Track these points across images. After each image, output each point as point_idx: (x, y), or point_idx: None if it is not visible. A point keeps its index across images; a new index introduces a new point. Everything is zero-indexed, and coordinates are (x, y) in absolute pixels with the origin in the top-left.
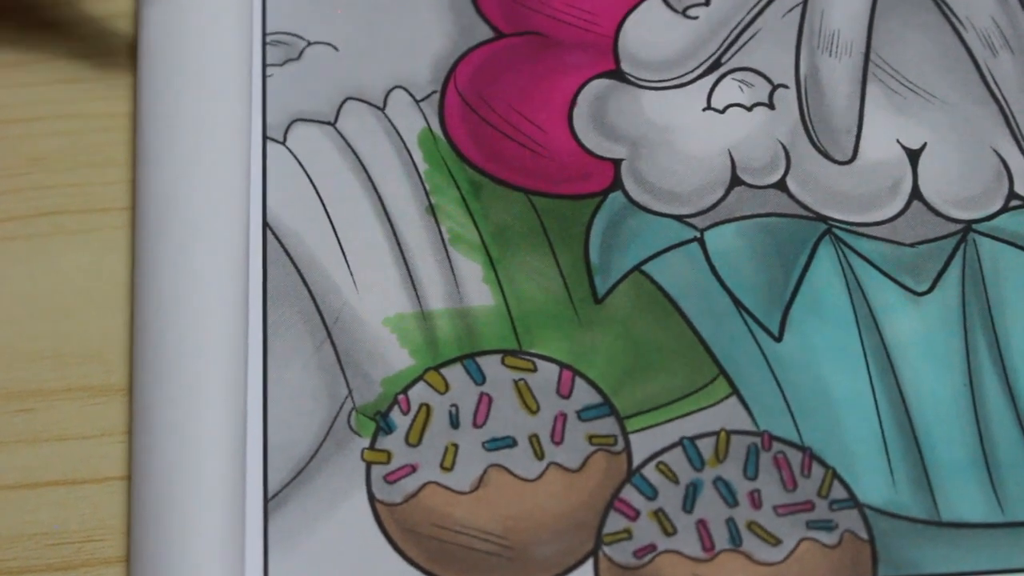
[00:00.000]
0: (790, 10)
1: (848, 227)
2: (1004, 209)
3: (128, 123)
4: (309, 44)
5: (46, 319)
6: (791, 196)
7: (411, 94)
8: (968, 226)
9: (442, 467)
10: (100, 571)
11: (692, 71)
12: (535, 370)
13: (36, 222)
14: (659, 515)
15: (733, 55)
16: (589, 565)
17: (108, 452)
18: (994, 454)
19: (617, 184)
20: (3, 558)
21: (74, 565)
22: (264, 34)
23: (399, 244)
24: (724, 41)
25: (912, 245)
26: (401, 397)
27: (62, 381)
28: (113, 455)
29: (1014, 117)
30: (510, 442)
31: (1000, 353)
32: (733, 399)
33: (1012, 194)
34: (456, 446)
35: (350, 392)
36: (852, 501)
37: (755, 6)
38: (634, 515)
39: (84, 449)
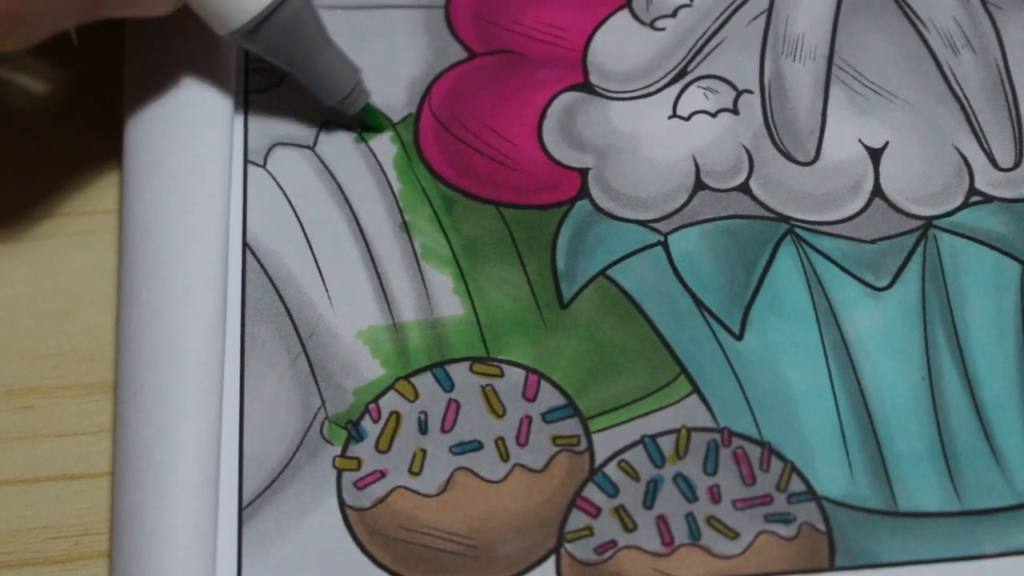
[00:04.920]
0: (755, 17)
1: (810, 226)
2: (964, 205)
3: None
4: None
5: (46, 318)
6: (754, 198)
7: (387, 117)
8: (929, 222)
9: (410, 472)
10: (97, 564)
11: (659, 81)
12: (502, 375)
13: (37, 223)
14: (620, 512)
15: (699, 63)
16: (551, 562)
17: (105, 448)
18: (952, 444)
19: (584, 192)
20: (2, 551)
21: (72, 558)
22: (247, 61)
23: (373, 260)
24: (690, 50)
25: (873, 242)
26: (372, 406)
27: (61, 379)
28: (110, 451)
29: (975, 115)
30: (476, 445)
31: (959, 346)
32: (694, 397)
33: (972, 190)
34: (424, 451)
35: (323, 403)
36: (810, 494)
37: (721, 15)
38: (595, 512)
39: (82, 445)
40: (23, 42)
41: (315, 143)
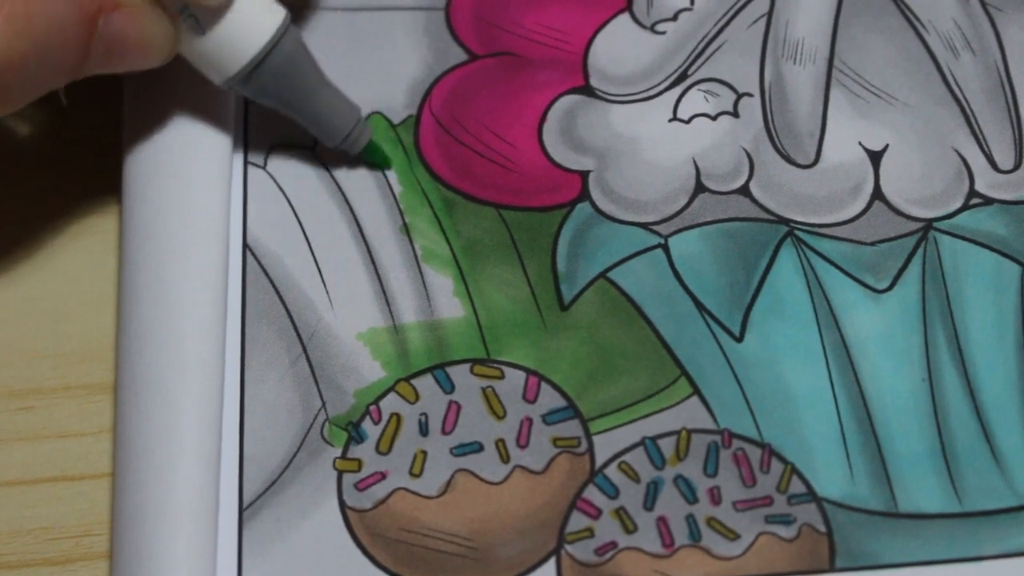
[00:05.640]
0: (755, 21)
1: (810, 228)
2: (964, 207)
3: None
4: None
5: (46, 319)
6: (754, 201)
7: (388, 119)
8: (929, 224)
9: (411, 473)
10: (97, 565)
11: (659, 84)
12: (502, 377)
13: (37, 223)
14: (620, 513)
15: (700, 67)
16: (552, 564)
17: (105, 448)
18: (952, 446)
19: (584, 195)
20: (2, 552)
21: (72, 559)
22: None
23: (373, 262)
24: (691, 54)
25: (873, 244)
26: (372, 407)
27: (61, 380)
28: (110, 452)
29: (975, 117)
30: (477, 447)
31: (959, 347)
32: (694, 399)
33: (972, 192)
34: (425, 453)
35: (323, 404)
36: (810, 495)
37: (721, 18)
38: (596, 514)
39: (82, 446)
40: (9, 108)
41: (316, 145)
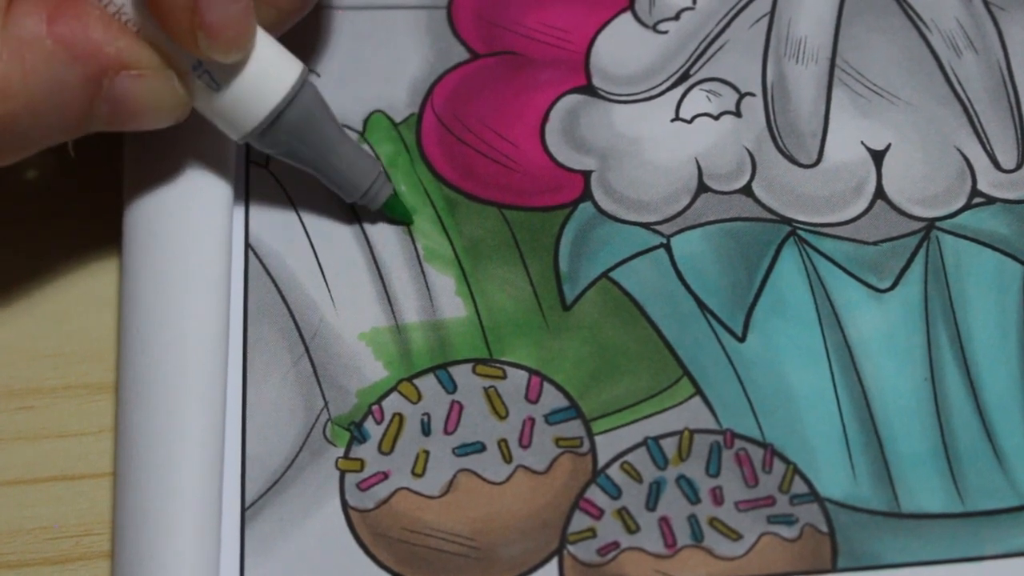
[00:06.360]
0: (758, 20)
1: (812, 228)
2: (967, 206)
3: None
4: None
5: (46, 318)
6: (756, 200)
7: (390, 117)
8: (931, 224)
9: (413, 473)
10: (97, 564)
11: (661, 83)
12: (505, 377)
13: (38, 223)
14: (623, 513)
15: (702, 66)
16: (554, 564)
17: (105, 448)
18: (954, 446)
19: (587, 195)
20: (2, 552)
21: (71, 559)
22: None
23: (376, 262)
24: (693, 53)
25: (875, 243)
26: (375, 407)
27: (61, 379)
28: (110, 451)
29: (978, 116)
30: (479, 447)
31: (962, 347)
32: (696, 399)
33: (975, 191)
34: (427, 453)
35: (326, 404)
36: (813, 495)
37: (723, 18)
38: (598, 514)
39: (82, 445)
40: (8, 160)
41: None
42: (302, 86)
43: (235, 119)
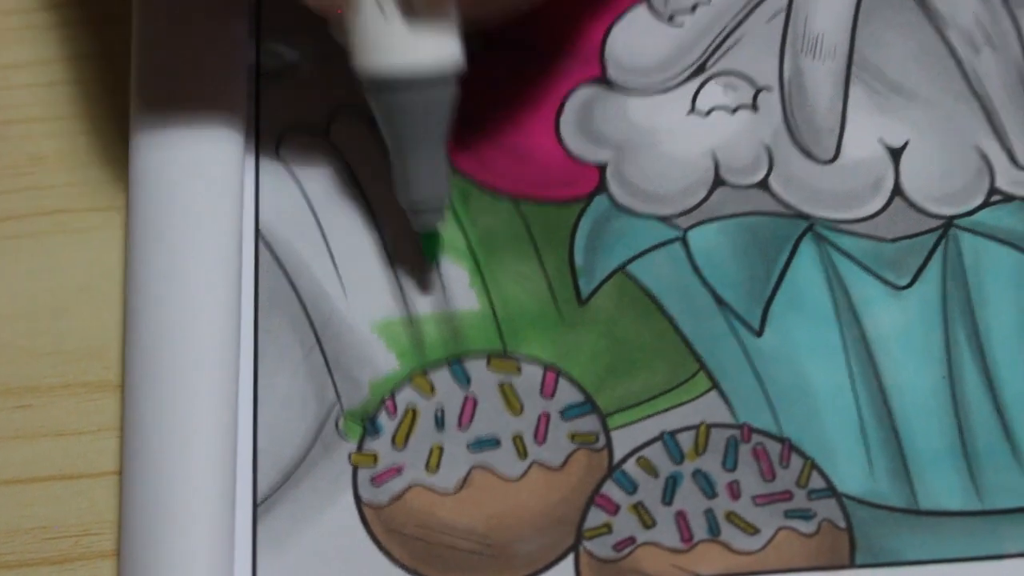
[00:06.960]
0: (774, 15)
1: (830, 224)
2: (985, 204)
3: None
4: (302, 55)
5: (45, 316)
6: (773, 195)
7: None
8: (949, 221)
9: (427, 468)
10: (96, 564)
11: (677, 76)
12: (519, 372)
13: (36, 220)
14: (639, 508)
15: (718, 60)
16: (570, 560)
17: (104, 447)
18: (973, 443)
19: (602, 188)
20: (0, 552)
21: (70, 559)
22: (258, 44)
23: (388, 252)
24: (709, 46)
25: (893, 240)
26: (388, 401)
27: (60, 377)
28: (109, 450)
29: (996, 113)
30: (494, 443)
31: (980, 345)
32: (713, 393)
33: (993, 189)
34: (441, 448)
35: (338, 396)
36: (830, 491)
37: (740, 12)
38: (614, 510)
39: (81, 444)
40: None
41: (329, 130)
42: (446, 78)
43: (372, 54)
